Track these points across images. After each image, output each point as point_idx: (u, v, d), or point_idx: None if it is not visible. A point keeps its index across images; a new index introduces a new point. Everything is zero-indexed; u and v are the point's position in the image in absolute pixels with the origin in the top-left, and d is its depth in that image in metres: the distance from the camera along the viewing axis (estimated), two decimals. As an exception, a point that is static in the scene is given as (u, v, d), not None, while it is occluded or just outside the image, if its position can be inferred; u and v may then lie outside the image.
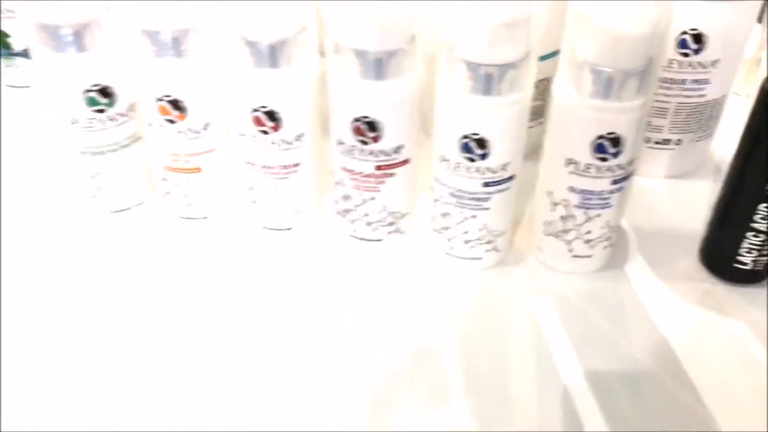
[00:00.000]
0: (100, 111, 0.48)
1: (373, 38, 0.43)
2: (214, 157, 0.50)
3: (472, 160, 0.46)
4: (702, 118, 0.58)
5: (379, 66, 0.44)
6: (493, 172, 0.46)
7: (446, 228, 0.50)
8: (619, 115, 0.44)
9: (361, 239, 0.52)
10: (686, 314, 0.49)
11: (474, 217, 0.49)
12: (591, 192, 0.47)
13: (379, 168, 0.48)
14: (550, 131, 0.48)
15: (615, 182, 0.47)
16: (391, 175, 0.49)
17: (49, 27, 0.45)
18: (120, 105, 0.49)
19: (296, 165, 0.49)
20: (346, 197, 0.50)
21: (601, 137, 0.45)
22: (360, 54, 0.44)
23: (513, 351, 0.46)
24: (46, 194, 0.56)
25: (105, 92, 0.48)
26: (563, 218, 0.49)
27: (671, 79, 0.55)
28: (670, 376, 0.44)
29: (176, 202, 0.52)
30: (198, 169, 0.50)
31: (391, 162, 0.48)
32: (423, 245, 0.53)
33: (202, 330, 0.46)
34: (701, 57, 0.54)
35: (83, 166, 0.51)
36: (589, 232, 0.49)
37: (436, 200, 0.49)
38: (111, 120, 0.49)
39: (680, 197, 0.59)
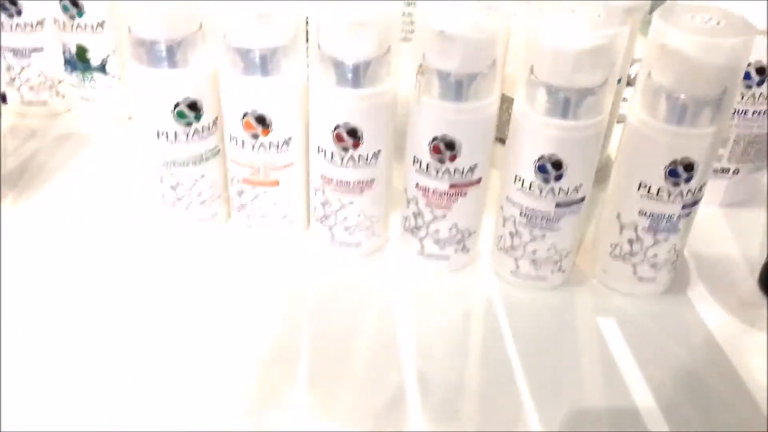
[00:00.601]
0: (188, 125, 0.50)
1: (455, 61, 0.45)
2: (292, 172, 0.52)
3: (546, 181, 0.47)
4: (761, 150, 0.59)
5: (459, 88, 0.46)
6: (566, 193, 0.48)
7: (514, 248, 0.51)
8: (694, 141, 0.45)
9: (429, 256, 0.53)
10: (748, 337, 0.50)
11: (543, 237, 0.50)
12: (661, 216, 0.48)
13: (453, 186, 0.50)
14: (621, 155, 0.49)
15: (684, 207, 0.48)
16: (464, 194, 0.50)
17: (145, 42, 0.47)
18: (206, 119, 0.51)
19: (372, 181, 0.51)
20: (417, 214, 0.52)
21: (674, 162, 0.46)
22: (442, 76, 0.46)
23: (581, 369, 0.47)
24: (129, 204, 0.58)
25: (193, 106, 0.50)
26: (631, 241, 0.50)
27: (734, 109, 0.56)
28: (736, 397, 0.45)
29: (251, 214, 0.54)
30: (276, 183, 0.52)
31: (464, 182, 0.49)
32: (488, 264, 0.54)
33: (280, 338, 0.48)
34: (764, 89, 0.55)
35: (166, 177, 0.52)
36: (655, 256, 0.50)
37: (506, 219, 0.51)
38: (196, 133, 0.51)
39: (736, 225, 0.60)
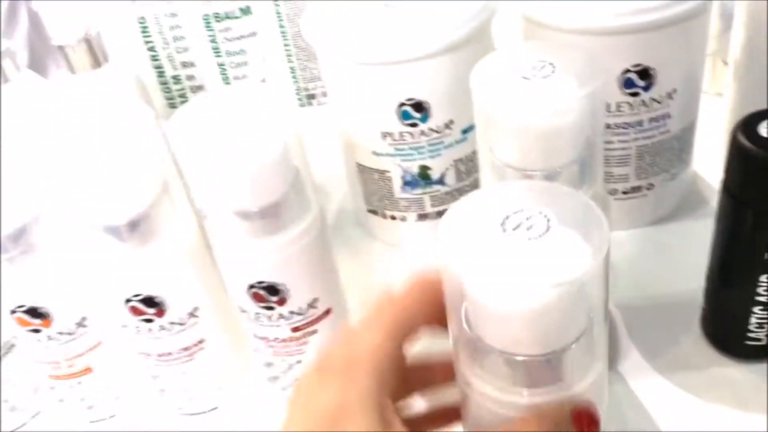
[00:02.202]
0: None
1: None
2: (102, 354, 0.42)
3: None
4: (671, 154, 0.49)
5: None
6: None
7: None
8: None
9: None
10: (701, 412, 0.40)
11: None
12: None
13: (296, 330, 0.39)
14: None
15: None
16: (313, 332, 0.40)
17: None
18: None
19: (200, 342, 0.41)
20: (269, 364, 0.42)
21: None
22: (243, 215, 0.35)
23: None
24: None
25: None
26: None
27: (625, 123, 0.46)
28: None
29: (77, 408, 0.44)
30: (89, 370, 0.42)
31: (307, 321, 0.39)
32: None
33: None
34: (654, 92, 0.45)
35: None
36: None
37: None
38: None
39: (667, 247, 0.50)
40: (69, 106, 0.46)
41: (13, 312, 0.38)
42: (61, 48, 0.45)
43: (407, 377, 0.28)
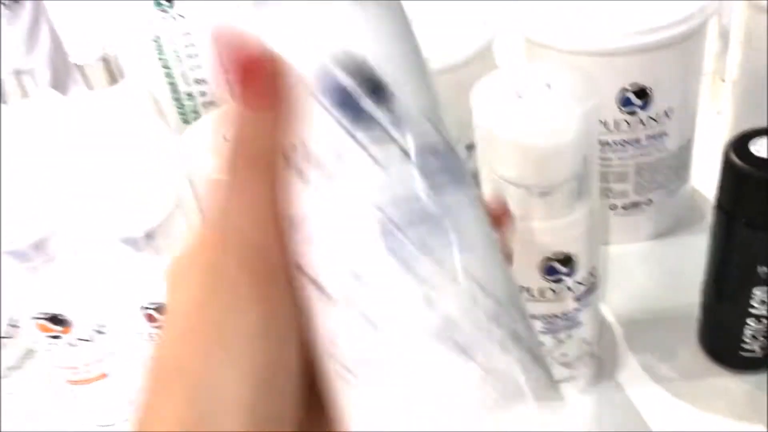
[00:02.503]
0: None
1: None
2: (117, 361, 0.43)
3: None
4: (669, 171, 0.50)
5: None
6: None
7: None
8: (561, 233, 0.37)
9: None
10: (697, 421, 0.41)
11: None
12: (553, 316, 0.40)
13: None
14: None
15: (579, 299, 0.39)
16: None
17: None
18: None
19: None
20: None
21: (548, 259, 0.37)
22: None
23: None
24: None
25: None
26: (530, 346, 0.41)
27: (624, 141, 0.48)
28: None
29: (93, 411, 0.45)
30: (104, 376, 0.43)
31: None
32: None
33: None
34: (651, 111, 0.46)
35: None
36: (565, 355, 0.42)
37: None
38: None
39: (665, 262, 0.52)
40: (87, 122, 0.48)
41: (35, 319, 0.40)
42: (79, 66, 0.47)
43: None
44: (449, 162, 0.21)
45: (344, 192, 0.20)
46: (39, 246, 0.39)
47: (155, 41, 0.63)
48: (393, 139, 0.20)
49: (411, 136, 0.20)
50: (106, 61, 0.47)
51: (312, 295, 0.21)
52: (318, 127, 0.20)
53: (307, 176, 0.20)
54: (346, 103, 0.20)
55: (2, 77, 0.47)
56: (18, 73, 0.47)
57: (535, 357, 0.21)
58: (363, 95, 0.20)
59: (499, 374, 0.20)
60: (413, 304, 0.20)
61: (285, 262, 0.21)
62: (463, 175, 0.22)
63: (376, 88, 0.20)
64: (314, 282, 0.21)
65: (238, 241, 0.21)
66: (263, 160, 0.21)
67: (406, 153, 0.20)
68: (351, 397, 0.21)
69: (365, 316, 0.20)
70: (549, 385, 0.22)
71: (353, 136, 0.20)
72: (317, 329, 0.21)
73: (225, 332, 0.20)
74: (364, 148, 0.20)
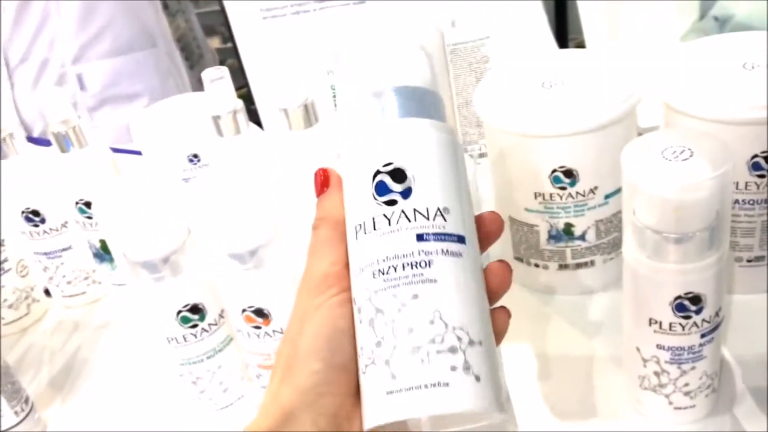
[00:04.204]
0: (194, 326, 0.51)
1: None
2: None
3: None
4: (794, 231, 0.55)
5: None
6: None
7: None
8: (694, 275, 0.43)
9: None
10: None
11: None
12: (681, 348, 0.46)
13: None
14: (626, 291, 0.47)
15: (704, 336, 0.45)
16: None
17: (140, 263, 0.49)
18: (210, 316, 0.52)
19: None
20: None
21: (679, 297, 0.43)
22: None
23: None
24: (155, 404, 0.60)
25: (195, 309, 0.51)
26: (657, 374, 0.47)
27: (751, 200, 0.53)
28: None
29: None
30: (289, 364, 0.52)
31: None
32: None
33: None
34: (779, 175, 0.52)
35: (185, 374, 0.54)
36: (686, 385, 0.47)
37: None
38: (204, 332, 0.52)
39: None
40: (285, 157, 0.58)
41: (244, 311, 0.50)
42: (284, 110, 0.57)
43: None
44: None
45: None
46: (253, 252, 0.49)
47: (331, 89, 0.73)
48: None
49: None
50: (305, 107, 0.57)
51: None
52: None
53: None
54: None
55: (221, 116, 0.58)
56: (235, 113, 0.58)
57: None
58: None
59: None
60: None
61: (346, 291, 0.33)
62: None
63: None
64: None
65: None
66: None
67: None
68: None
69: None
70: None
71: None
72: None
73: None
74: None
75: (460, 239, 0.32)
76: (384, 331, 0.31)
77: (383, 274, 0.31)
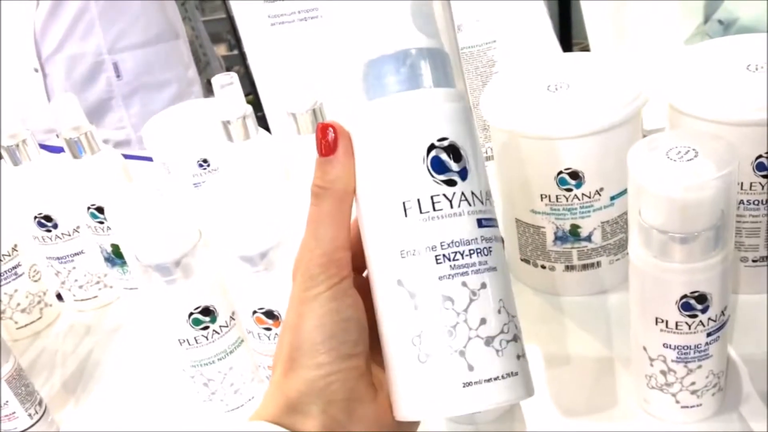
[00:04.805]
0: (205, 328, 0.52)
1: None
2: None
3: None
4: (800, 230, 0.55)
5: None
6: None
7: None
8: (700, 274, 0.43)
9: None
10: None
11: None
12: (687, 347, 0.46)
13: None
14: (632, 290, 0.47)
15: (710, 334, 0.45)
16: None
17: (152, 266, 0.50)
18: (221, 318, 0.53)
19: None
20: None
21: (685, 296, 0.44)
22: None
23: None
24: (167, 406, 0.60)
25: (206, 311, 0.52)
26: (663, 372, 0.48)
27: (756, 200, 0.53)
28: None
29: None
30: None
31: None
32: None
33: None
34: (785, 175, 0.52)
35: (196, 376, 0.54)
36: (693, 383, 0.48)
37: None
38: (215, 333, 0.53)
39: (792, 312, 0.56)
40: (293, 160, 0.59)
41: (255, 313, 0.50)
42: (293, 114, 0.58)
43: None
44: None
45: None
46: (263, 255, 0.49)
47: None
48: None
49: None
50: (314, 111, 0.58)
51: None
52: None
53: None
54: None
55: (231, 121, 0.59)
56: (244, 118, 0.59)
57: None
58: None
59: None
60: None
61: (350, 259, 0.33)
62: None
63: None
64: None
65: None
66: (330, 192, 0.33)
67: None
68: None
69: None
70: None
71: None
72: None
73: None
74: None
75: (497, 224, 0.32)
76: (456, 320, 0.30)
77: (449, 260, 0.30)
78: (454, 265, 0.30)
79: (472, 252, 0.30)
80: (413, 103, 0.31)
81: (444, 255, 0.30)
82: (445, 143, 0.31)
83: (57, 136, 0.63)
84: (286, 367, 0.32)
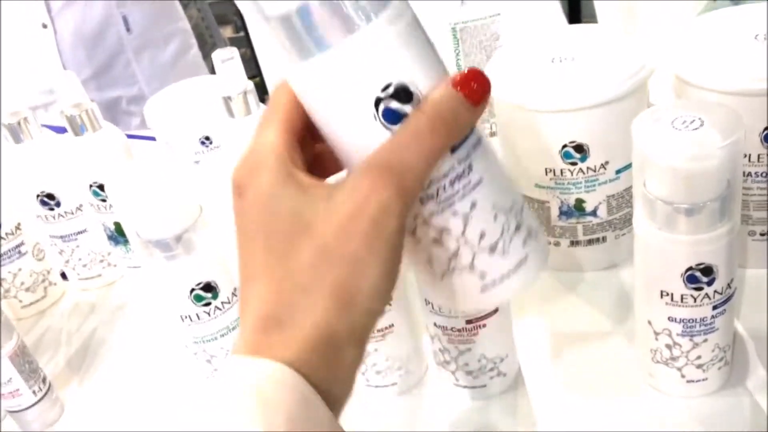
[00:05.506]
0: (207, 305, 0.52)
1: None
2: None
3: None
4: (808, 203, 0.54)
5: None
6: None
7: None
8: (705, 246, 0.43)
9: (465, 387, 0.52)
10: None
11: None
12: (693, 320, 0.45)
13: (469, 322, 0.49)
14: (637, 263, 0.47)
15: (716, 307, 0.45)
16: (484, 326, 0.49)
17: (152, 242, 0.50)
18: (223, 295, 0.52)
19: (390, 326, 0.51)
20: (443, 350, 0.51)
21: (690, 269, 0.43)
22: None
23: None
24: (171, 383, 0.60)
25: (208, 287, 0.52)
26: (669, 346, 0.47)
27: (764, 173, 0.53)
28: None
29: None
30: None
31: (481, 315, 0.48)
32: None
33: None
34: (793, 147, 0.51)
35: (199, 353, 0.54)
36: (699, 357, 0.47)
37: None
38: (217, 310, 0.52)
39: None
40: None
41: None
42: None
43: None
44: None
45: None
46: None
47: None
48: None
49: None
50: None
51: None
52: None
53: None
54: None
55: (232, 97, 0.59)
56: (245, 94, 0.58)
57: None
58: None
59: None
60: None
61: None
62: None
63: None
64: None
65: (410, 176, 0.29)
66: (455, 138, 0.30)
67: None
68: None
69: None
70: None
71: None
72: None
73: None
74: None
75: (471, 131, 0.31)
76: (456, 245, 0.31)
77: (433, 198, 0.30)
78: (439, 200, 0.31)
79: (452, 182, 0.30)
80: (339, 61, 0.29)
81: (427, 195, 0.30)
82: (391, 90, 0.29)
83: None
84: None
